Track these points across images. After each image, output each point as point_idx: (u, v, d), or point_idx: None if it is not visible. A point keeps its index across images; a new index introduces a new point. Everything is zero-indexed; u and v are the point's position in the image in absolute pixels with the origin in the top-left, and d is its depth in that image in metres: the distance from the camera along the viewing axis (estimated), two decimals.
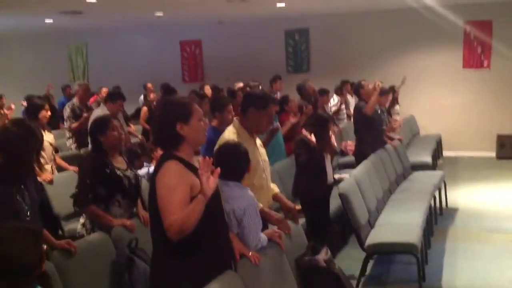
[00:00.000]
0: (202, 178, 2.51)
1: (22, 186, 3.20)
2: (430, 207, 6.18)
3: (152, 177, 2.70)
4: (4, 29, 14.23)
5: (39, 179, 4.07)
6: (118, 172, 3.90)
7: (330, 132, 5.10)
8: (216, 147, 3.67)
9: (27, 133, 3.14)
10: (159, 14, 11.66)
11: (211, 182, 2.52)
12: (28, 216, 3.16)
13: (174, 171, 2.59)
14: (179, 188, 2.54)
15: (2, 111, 8.59)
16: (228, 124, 4.54)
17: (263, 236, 3.20)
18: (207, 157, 2.59)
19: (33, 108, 5.72)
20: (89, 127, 4.22)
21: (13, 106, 7.96)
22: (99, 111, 6.61)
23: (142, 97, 11.41)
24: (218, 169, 2.60)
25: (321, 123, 5.05)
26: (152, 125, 2.84)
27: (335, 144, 5.26)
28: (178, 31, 14.16)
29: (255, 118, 3.76)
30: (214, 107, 5.37)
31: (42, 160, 5.60)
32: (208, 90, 10.15)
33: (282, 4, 10.52)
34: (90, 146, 4.52)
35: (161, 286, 2.72)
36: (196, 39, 14.19)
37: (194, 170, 2.65)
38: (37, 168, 3.49)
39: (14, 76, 15.41)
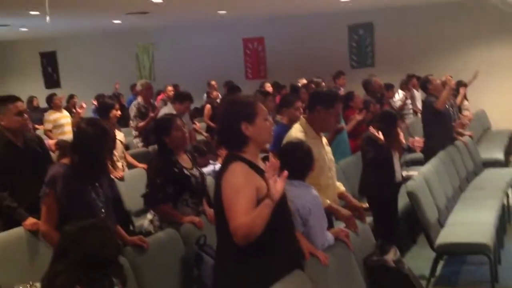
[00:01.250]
0: (270, 182, 2.47)
1: (97, 184, 3.31)
2: (502, 205, 5.94)
3: (217, 179, 2.66)
4: (74, 29, 14.78)
5: (111, 176, 4.20)
6: (186, 171, 3.95)
7: (398, 129, 5.00)
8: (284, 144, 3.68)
9: (101, 132, 3.23)
10: (222, 12, 11.78)
11: (278, 185, 2.48)
12: (103, 213, 3.27)
13: (240, 173, 2.53)
14: (246, 191, 2.49)
15: (74, 110, 8.94)
16: (296, 121, 4.55)
17: (330, 235, 3.17)
18: (274, 160, 2.56)
19: (104, 107, 5.90)
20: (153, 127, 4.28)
21: (84, 105, 8.22)
22: (166, 110, 6.72)
23: (205, 94, 11.57)
24: (286, 172, 2.55)
25: (389, 119, 4.96)
26: (216, 124, 2.84)
27: (403, 140, 5.15)
28: (241, 28, 14.26)
29: (323, 116, 3.74)
30: (282, 104, 5.39)
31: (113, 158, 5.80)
32: (268, 87, 10.17)
33: None
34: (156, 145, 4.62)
35: (224, 285, 2.69)
36: (259, 36, 14.24)
37: (259, 171, 2.61)
38: (110, 166, 3.60)
39: (84, 76, 15.98)
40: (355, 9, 12.34)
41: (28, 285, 3.26)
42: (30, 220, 3.70)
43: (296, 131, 3.76)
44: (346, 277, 3.19)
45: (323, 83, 9.48)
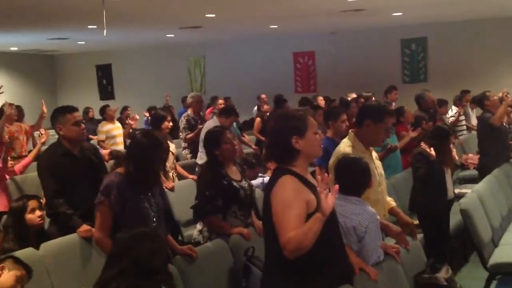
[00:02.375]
0: (321, 196, 2.45)
1: (149, 193, 3.39)
2: None
3: (266, 192, 2.66)
4: (129, 43, 15.20)
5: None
6: (235, 184, 3.98)
7: (451, 145, 4.90)
8: (332, 160, 3.67)
9: (155, 143, 3.32)
10: (274, 26, 11.87)
11: (329, 200, 2.46)
12: (154, 222, 3.35)
13: (290, 186, 2.53)
14: (295, 205, 2.48)
15: (127, 121, 9.16)
16: (341, 134, 4.51)
17: (380, 251, 3.14)
18: (325, 175, 2.55)
19: (157, 119, 6.03)
20: (203, 139, 4.32)
21: (137, 117, 8.42)
22: (211, 123, 6.81)
23: (256, 107, 11.65)
24: (337, 187, 2.55)
25: (442, 135, 4.87)
26: (267, 137, 2.86)
27: (456, 157, 5.04)
28: (292, 42, 14.33)
29: (372, 131, 3.70)
30: (328, 117, 5.38)
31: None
32: (321, 101, 10.15)
33: (399, 13, 10.29)
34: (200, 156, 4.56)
35: None
36: (309, 50, 14.27)
37: (309, 185, 2.60)
38: (162, 176, 3.67)
39: (137, 88, 16.38)
40: (408, 23, 12.22)
41: None
42: (84, 227, 3.80)
43: (345, 146, 3.74)
44: None
45: (373, 98, 9.39)
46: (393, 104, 9.54)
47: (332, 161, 3.60)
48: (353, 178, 3.09)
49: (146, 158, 3.27)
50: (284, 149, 2.62)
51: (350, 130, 3.92)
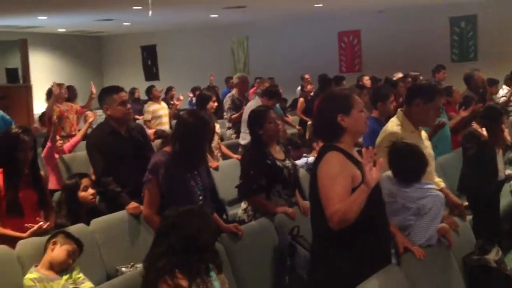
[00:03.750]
0: (366, 169, 2.49)
1: (196, 172, 3.42)
2: None
3: (313, 168, 2.73)
4: (173, 24, 15.29)
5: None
6: (278, 163, 3.98)
7: (503, 125, 4.75)
8: (380, 138, 3.61)
9: (201, 122, 3.35)
10: (319, 5, 11.71)
11: (374, 173, 2.49)
12: (200, 200, 3.39)
13: (335, 161, 2.60)
14: (341, 178, 2.55)
15: (172, 102, 9.25)
16: (389, 114, 4.43)
17: (435, 236, 3.08)
18: (370, 147, 2.57)
19: (202, 99, 6.07)
20: (247, 119, 4.33)
21: (181, 97, 8.49)
22: (253, 104, 6.80)
23: (299, 88, 11.58)
24: (381, 160, 2.58)
25: (494, 115, 4.72)
26: (313, 116, 2.88)
27: (508, 137, 4.89)
28: (337, 21, 14.13)
29: (421, 110, 3.62)
30: (377, 97, 5.27)
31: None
32: (367, 81, 9.99)
33: None
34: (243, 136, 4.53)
35: (321, 274, 2.74)
36: (355, 29, 14.04)
37: (355, 161, 2.66)
38: (208, 155, 3.70)
39: (181, 69, 16.51)
40: (458, 0, 11.84)
41: (130, 266, 3.43)
42: (133, 205, 3.87)
43: (393, 125, 3.67)
44: (445, 275, 3.09)
45: (421, 77, 9.18)
46: (441, 84, 9.31)
47: (380, 139, 3.55)
48: (407, 165, 3.04)
49: (192, 137, 3.30)
50: (330, 126, 2.69)
51: (399, 109, 3.84)
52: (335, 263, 2.65)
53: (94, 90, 7.16)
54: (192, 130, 3.32)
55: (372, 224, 2.64)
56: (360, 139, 4.24)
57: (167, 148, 3.42)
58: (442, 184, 3.78)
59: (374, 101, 5.30)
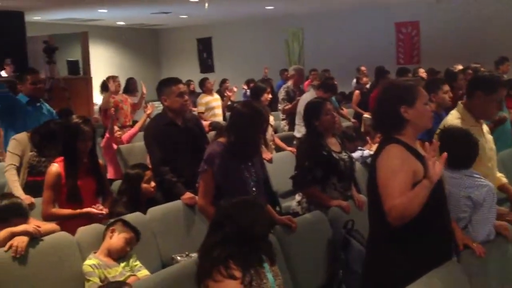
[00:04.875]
0: (429, 163, 2.39)
1: (250, 163, 3.43)
2: None
3: (372, 161, 2.66)
4: (229, 16, 15.38)
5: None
6: (334, 155, 3.94)
7: None
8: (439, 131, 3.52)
9: (256, 113, 3.34)
10: None
11: (437, 167, 2.40)
12: (254, 191, 3.39)
13: (396, 154, 2.51)
14: (402, 172, 2.46)
15: (226, 94, 9.32)
16: (445, 106, 4.32)
17: (492, 229, 2.98)
18: (434, 141, 2.49)
19: (256, 91, 6.08)
20: (302, 111, 4.32)
21: (235, 89, 8.54)
22: (308, 96, 6.76)
23: (354, 80, 11.41)
24: (445, 155, 2.46)
25: None
26: (374, 107, 2.79)
27: None
28: (394, 12, 13.84)
29: (483, 103, 3.51)
30: (429, 88, 5.14)
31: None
32: (422, 73, 9.74)
33: None
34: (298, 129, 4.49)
35: (377, 271, 2.68)
36: (413, 20, 13.72)
37: (417, 155, 2.55)
38: (263, 146, 3.70)
39: (236, 61, 16.60)
40: None
41: (184, 255, 3.48)
42: (188, 195, 3.92)
43: (453, 118, 3.58)
44: (508, 273, 2.98)
45: (482, 69, 8.88)
46: (505, 76, 8.97)
47: (442, 133, 3.45)
48: (458, 150, 2.94)
49: (246, 128, 3.31)
50: (392, 118, 2.59)
51: (459, 102, 3.73)
52: (393, 260, 2.57)
53: (145, 91, 7.35)
54: (247, 120, 3.32)
55: (433, 220, 2.54)
56: None
57: (222, 139, 3.44)
58: (504, 180, 3.67)
59: (427, 92, 5.16)
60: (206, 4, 9.28)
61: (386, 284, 2.58)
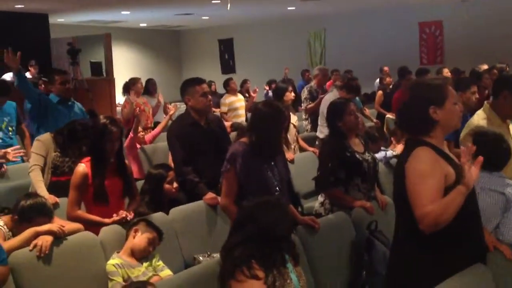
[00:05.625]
0: (465, 168, 2.32)
1: (273, 163, 3.42)
2: None
3: (399, 165, 2.57)
4: (250, 17, 15.40)
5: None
6: (358, 156, 3.91)
7: None
8: (464, 132, 3.48)
9: (277, 112, 3.34)
10: None
11: (473, 172, 2.32)
12: (277, 191, 3.38)
13: (426, 158, 2.40)
14: (432, 177, 2.36)
15: (247, 94, 9.32)
16: (470, 107, 4.26)
17: None
18: (470, 145, 2.41)
19: (278, 91, 6.07)
20: (325, 112, 4.29)
21: (257, 90, 8.53)
22: (331, 96, 6.73)
23: (377, 80, 11.34)
24: (481, 159, 2.37)
25: None
26: (400, 107, 2.72)
27: None
28: (417, 12, 13.71)
29: (509, 102, 3.47)
30: (457, 88, 5.08)
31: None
32: (446, 73, 9.63)
33: None
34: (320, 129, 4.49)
35: (402, 274, 2.60)
36: (437, 20, 13.57)
37: (447, 157, 2.47)
38: (284, 146, 3.69)
39: (257, 62, 16.60)
40: None
41: (206, 255, 3.48)
42: (210, 195, 3.93)
43: (479, 118, 3.53)
44: None
45: (507, 69, 8.74)
46: None
47: (464, 133, 3.41)
48: (491, 153, 2.87)
49: (268, 127, 3.30)
50: (420, 119, 2.49)
51: (485, 102, 3.68)
52: (420, 265, 2.49)
53: (161, 99, 7.43)
54: (267, 119, 3.31)
55: (466, 227, 2.45)
56: None
57: (244, 139, 3.44)
58: None
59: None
60: (229, 5, 9.30)
61: None
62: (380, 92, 9.39)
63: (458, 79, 5.63)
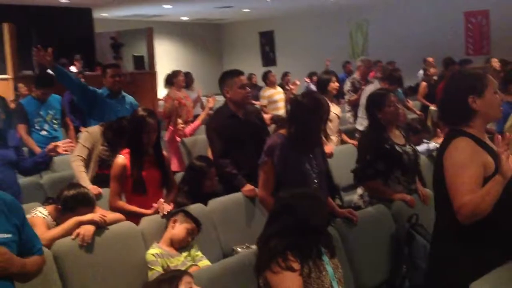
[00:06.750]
0: (502, 158, 2.26)
1: (311, 155, 3.39)
2: None
3: (438, 155, 2.55)
4: (291, 9, 15.31)
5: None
6: (398, 148, 3.84)
7: None
8: (509, 123, 3.38)
9: (316, 104, 3.30)
10: None
11: (511, 162, 2.27)
12: (315, 183, 3.35)
13: (465, 148, 2.39)
14: (472, 167, 2.34)
15: (287, 87, 9.28)
16: None
17: None
18: (507, 134, 2.35)
19: (322, 82, 6.03)
20: (365, 103, 4.24)
21: (298, 82, 8.48)
22: (372, 87, 6.63)
23: (421, 71, 11.10)
24: None
25: None
26: (440, 97, 2.68)
27: None
28: (463, 1, 13.36)
29: None
30: (508, 79, 4.95)
31: (328, 131, 5.92)
32: (495, 63, 9.35)
33: None
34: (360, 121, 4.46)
35: (443, 267, 2.58)
36: (483, 9, 13.19)
37: (487, 147, 2.43)
38: (323, 138, 3.65)
39: (298, 54, 16.51)
40: None
41: (245, 247, 3.49)
42: (248, 187, 3.94)
43: None
44: None
45: None
46: None
47: (509, 124, 3.31)
48: None
49: (307, 119, 3.27)
50: (459, 109, 2.47)
51: None
52: (460, 258, 2.47)
53: (200, 94, 7.80)
54: (307, 110, 3.28)
55: (505, 218, 2.40)
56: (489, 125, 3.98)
57: (283, 131, 3.42)
58: None
59: (505, 83, 4.97)
60: None
61: (451, 283, 2.48)
62: (424, 83, 9.20)
63: (508, 72, 5.47)
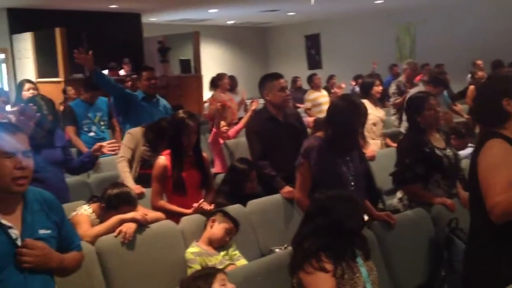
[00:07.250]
0: None
1: (348, 158, 3.40)
2: None
3: (473, 157, 2.55)
4: (337, 12, 15.24)
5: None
6: (438, 151, 3.81)
7: None
8: None
9: (353, 107, 3.30)
10: None
11: None
12: (352, 186, 3.36)
13: (498, 149, 2.39)
14: (505, 168, 2.34)
15: (333, 90, 9.26)
16: None
17: None
18: None
19: (365, 86, 6.01)
20: (405, 106, 4.22)
21: (343, 85, 8.45)
22: (415, 90, 6.55)
23: (469, 75, 10.86)
24: None
25: None
26: (475, 101, 2.68)
27: None
28: None
29: None
30: None
31: (371, 135, 5.89)
32: None
33: None
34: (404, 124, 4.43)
35: (477, 269, 2.57)
36: None
37: None
38: (361, 141, 3.65)
39: (344, 57, 16.41)
40: None
41: (283, 248, 3.53)
42: (287, 188, 3.97)
43: None
44: None
45: None
46: None
47: None
48: None
49: (344, 121, 3.28)
50: (493, 111, 2.48)
51: None
52: (494, 259, 2.46)
53: (245, 96, 7.85)
54: (343, 113, 3.28)
55: None
56: None
57: (320, 133, 3.44)
58: None
59: None
60: (312, 0, 9.28)
61: (486, 282, 2.48)
62: (472, 86, 9.01)
63: None
